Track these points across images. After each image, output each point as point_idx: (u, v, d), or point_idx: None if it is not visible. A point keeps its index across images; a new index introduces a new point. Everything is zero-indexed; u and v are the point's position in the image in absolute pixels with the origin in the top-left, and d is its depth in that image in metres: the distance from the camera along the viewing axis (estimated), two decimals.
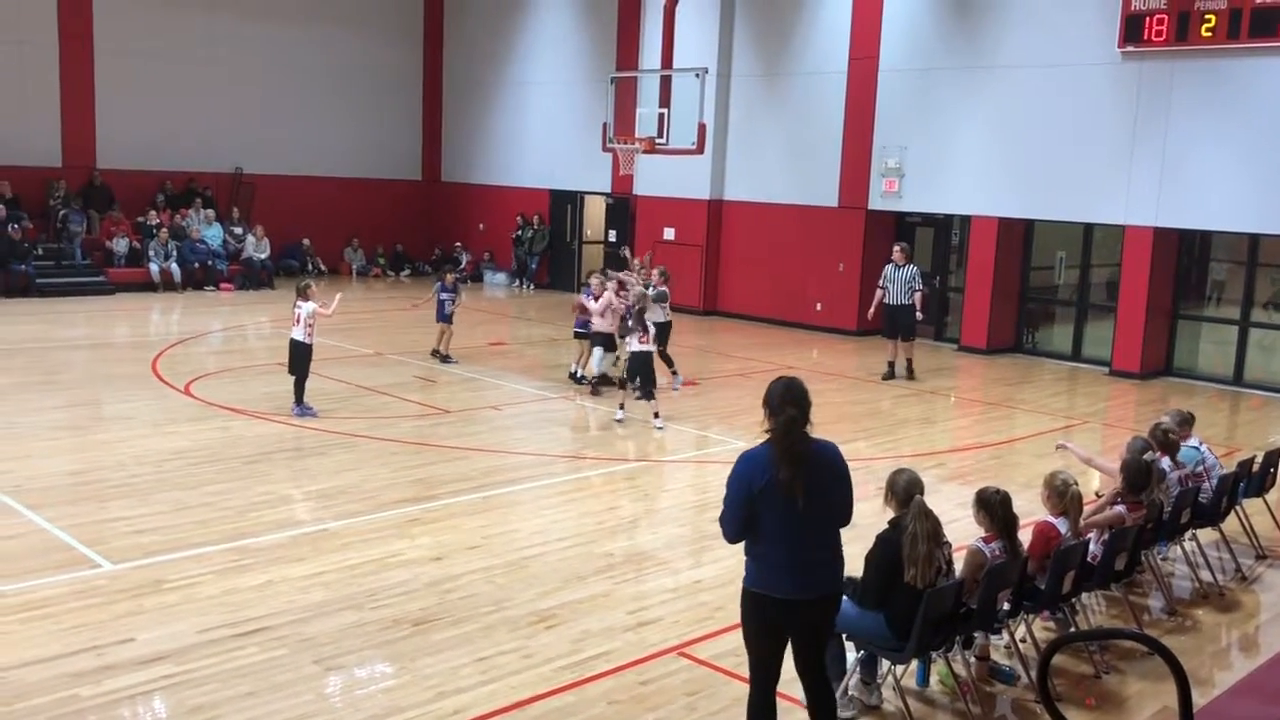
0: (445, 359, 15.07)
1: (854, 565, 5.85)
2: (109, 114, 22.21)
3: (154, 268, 21.50)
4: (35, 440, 10.40)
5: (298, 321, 11.76)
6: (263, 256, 23.05)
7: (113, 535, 7.85)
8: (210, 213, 23.09)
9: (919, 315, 15.46)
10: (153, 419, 11.40)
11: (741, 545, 4.74)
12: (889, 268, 15.37)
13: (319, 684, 5.77)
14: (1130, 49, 16.03)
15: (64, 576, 7.04)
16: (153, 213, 22.22)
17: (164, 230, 21.85)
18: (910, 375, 15.53)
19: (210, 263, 22.31)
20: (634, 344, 11.64)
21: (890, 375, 15.48)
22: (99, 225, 21.88)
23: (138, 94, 22.39)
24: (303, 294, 11.84)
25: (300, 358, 11.77)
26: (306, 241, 24.58)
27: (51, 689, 5.56)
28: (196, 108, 23.35)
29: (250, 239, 23.08)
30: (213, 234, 22.79)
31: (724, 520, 4.69)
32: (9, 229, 20.01)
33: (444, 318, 15.14)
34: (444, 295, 15.11)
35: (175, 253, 21.86)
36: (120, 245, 21.56)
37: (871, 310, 15.84)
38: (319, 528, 8.23)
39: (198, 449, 10.27)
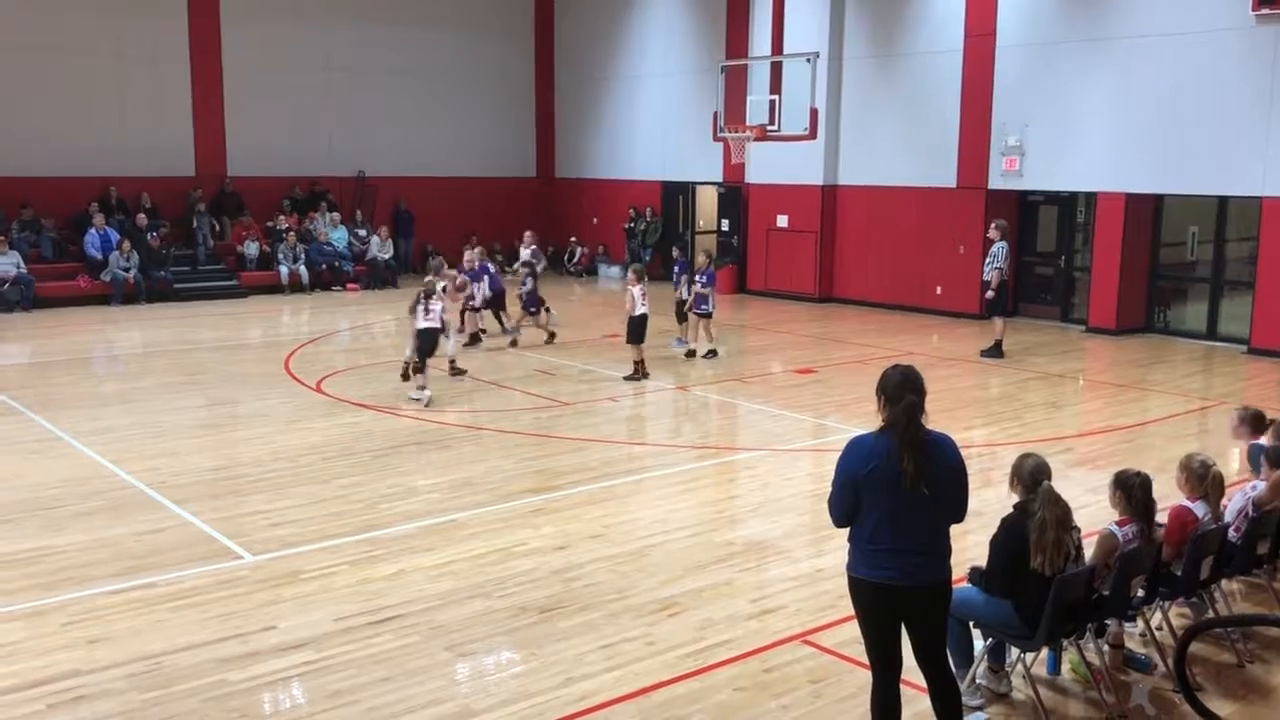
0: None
1: (980, 552, 5.77)
2: (237, 124, 23.10)
3: (283, 270, 22.29)
4: (178, 438, 10.91)
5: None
6: (386, 257, 23.69)
7: (252, 528, 8.19)
8: (335, 216, 23.83)
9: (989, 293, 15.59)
10: (286, 416, 11.85)
11: None
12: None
13: (451, 670, 5.94)
14: (1265, 11, 15.29)
15: (209, 568, 7.39)
16: (281, 217, 23.05)
17: (292, 234, 22.63)
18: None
19: (337, 264, 23.03)
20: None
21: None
22: (231, 231, 22.79)
23: (264, 104, 23.25)
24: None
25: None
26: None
27: (202, 674, 5.84)
28: (319, 114, 24.15)
29: (375, 240, 23.73)
30: (338, 236, 23.53)
31: (830, 504, 4.75)
32: (149, 237, 21.01)
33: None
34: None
35: (303, 255, 22.63)
36: (251, 249, 22.41)
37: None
38: (446, 518, 8.45)
39: (329, 444, 10.63)
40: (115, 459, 9.98)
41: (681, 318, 15.95)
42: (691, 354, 15.26)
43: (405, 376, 12.80)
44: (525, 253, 17.30)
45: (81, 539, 7.92)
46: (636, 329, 13.68)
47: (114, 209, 21.37)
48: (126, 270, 20.44)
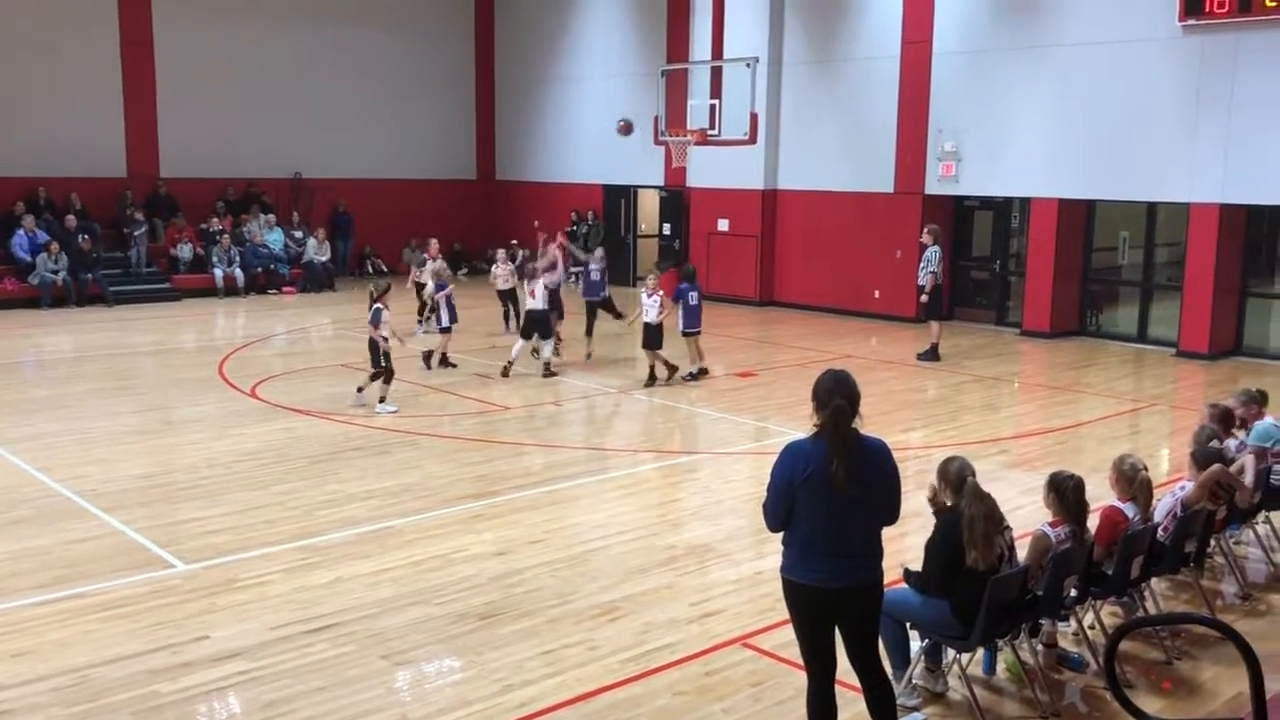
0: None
1: (915, 555, 5.83)
2: (170, 123, 22.69)
3: (218, 273, 21.92)
4: (110, 445, 10.68)
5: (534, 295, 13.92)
6: (323, 259, 23.40)
7: (185, 536, 8.04)
8: (271, 217, 23.49)
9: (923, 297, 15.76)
10: (221, 422, 11.65)
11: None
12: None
13: (388, 678, 5.87)
14: (1192, 22, 15.68)
15: (140, 577, 7.23)
16: (215, 219, 22.67)
17: (226, 236, 22.27)
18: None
19: (273, 267, 22.70)
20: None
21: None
22: (163, 233, 22.36)
23: (197, 103, 22.85)
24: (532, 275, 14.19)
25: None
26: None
27: (132, 686, 5.71)
28: (254, 114, 23.79)
29: (311, 242, 23.43)
30: (274, 238, 23.19)
31: (766, 509, 4.76)
32: (79, 239, 20.54)
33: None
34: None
35: (238, 258, 22.29)
36: (184, 252, 22.02)
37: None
38: (384, 525, 8.36)
39: (265, 450, 10.48)
40: (43, 466, 9.74)
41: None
42: (694, 373, 14.14)
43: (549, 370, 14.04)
44: (434, 265, 16.16)
45: (7, 549, 7.71)
46: (653, 335, 13.68)
47: (42, 210, 20.88)
48: (55, 273, 19.98)
